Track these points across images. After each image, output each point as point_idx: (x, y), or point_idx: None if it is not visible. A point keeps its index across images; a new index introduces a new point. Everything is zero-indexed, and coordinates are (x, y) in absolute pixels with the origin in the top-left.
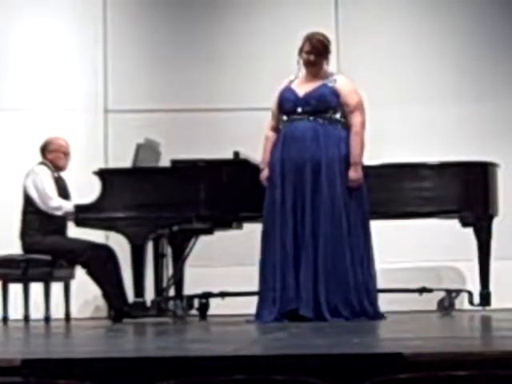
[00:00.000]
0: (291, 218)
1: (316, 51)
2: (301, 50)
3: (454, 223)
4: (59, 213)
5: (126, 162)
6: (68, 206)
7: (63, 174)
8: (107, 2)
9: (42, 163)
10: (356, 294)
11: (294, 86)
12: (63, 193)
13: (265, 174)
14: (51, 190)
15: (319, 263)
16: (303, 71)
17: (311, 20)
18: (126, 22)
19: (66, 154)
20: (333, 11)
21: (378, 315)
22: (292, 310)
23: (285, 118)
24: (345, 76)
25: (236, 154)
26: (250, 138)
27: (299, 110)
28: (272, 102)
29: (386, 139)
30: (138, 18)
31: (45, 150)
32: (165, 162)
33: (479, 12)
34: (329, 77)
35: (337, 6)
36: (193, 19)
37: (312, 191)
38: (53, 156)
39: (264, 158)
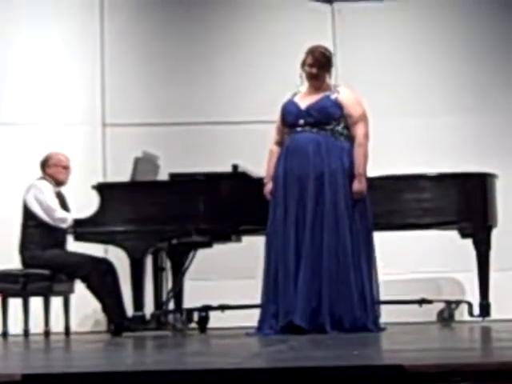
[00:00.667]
0: (293, 231)
1: (318, 64)
2: (303, 63)
3: (453, 234)
4: (64, 225)
5: (125, 176)
6: (71, 218)
7: (62, 189)
8: (105, 17)
9: (42, 178)
10: (360, 306)
11: (296, 99)
12: (63, 207)
13: (268, 188)
14: (54, 202)
15: (323, 275)
16: (306, 84)
17: (309, 32)
18: (123, 37)
19: (66, 168)
20: (330, 23)
21: (379, 328)
22: (290, 322)
23: (287, 130)
24: (347, 87)
25: (235, 167)
26: (249, 151)
27: (301, 122)
28: (271, 115)
29: (385, 150)
30: (135, 33)
31: (45, 164)
32: (163, 175)
33: (479, 24)
34: (331, 89)
35: (334, 17)
36: (191, 33)
37: (315, 204)
38: (53, 171)
39: (268, 172)
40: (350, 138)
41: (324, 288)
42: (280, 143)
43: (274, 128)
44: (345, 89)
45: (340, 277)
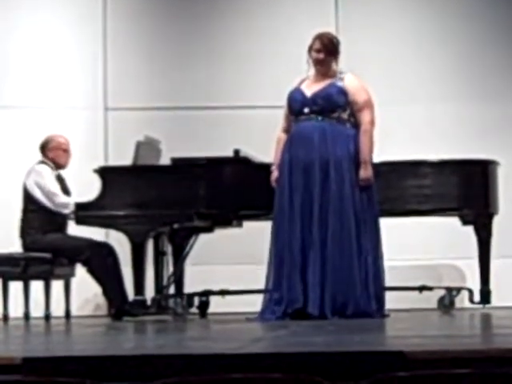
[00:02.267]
0: (299, 218)
1: (326, 49)
2: (310, 49)
3: (454, 221)
4: (67, 210)
5: (127, 160)
6: (73, 202)
7: (63, 172)
8: (107, 1)
9: (42, 162)
10: (362, 293)
11: (303, 86)
12: (64, 191)
13: (274, 175)
14: (55, 187)
15: (327, 262)
16: (312, 71)
17: (311, 18)
18: (125, 20)
19: (66, 151)
20: (333, 10)
21: (383, 314)
22: (297, 309)
23: (293, 118)
24: (353, 74)
25: (236, 152)
26: (251, 136)
27: (306, 110)
28: (273, 100)
29: (387, 137)
30: (137, 16)
31: (45, 148)
32: (165, 159)
33: (480, 11)
34: (337, 75)
35: (337, 5)
36: (193, 17)
37: (321, 191)
38: (53, 154)
39: (275, 159)
40: (356, 125)
41: (328, 274)
42: (287, 131)
43: (282, 115)
44: (350, 75)
45: (344, 263)
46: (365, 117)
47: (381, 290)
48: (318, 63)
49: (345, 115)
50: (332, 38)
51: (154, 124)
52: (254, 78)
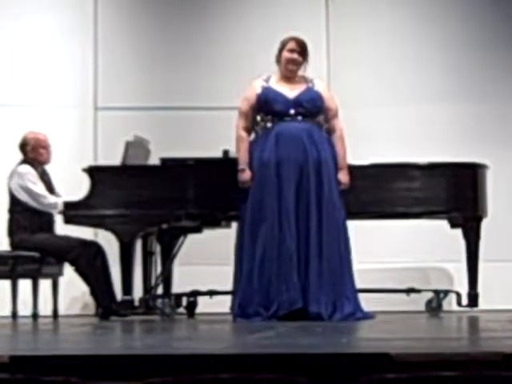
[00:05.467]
0: (293, 219)
1: (300, 49)
2: (282, 49)
3: (442, 224)
4: (55, 211)
5: (116, 160)
6: (60, 202)
7: (50, 169)
8: (98, 1)
9: (24, 161)
10: (351, 292)
11: (274, 86)
12: (48, 187)
13: (248, 174)
14: (40, 188)
15: (323, 262)
16: (277, 71)
17: (301, 19)
18: (116, 20)
19: (46, 147)
20: (323, 10)
21: (368, 315)
22: (297, 309)
23: (270, 118)
24: (321, 80)
25: (225, 152)
26: None
27: (292, 111)
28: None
29: (376, 139)
30: (128, 16)
31: (24, 148)
32: (154, 159)
33: (468, 13)
34: (308, 80)
35: (327, 5)
36: (181, 18)
37: (316, 189)
38: (33, 154)
39: (243, 158)
40: (327, 131)
41: (324, 275)
42: (248, 129)
43: (240, 113)
44: (319, 81)
45: (336, 263)
46: (338, 123)
47: (362, 291)
48: (291, 62)
49: (321, 120)
50: (305, 41)
51: (143, 124)
52: (245, 79)
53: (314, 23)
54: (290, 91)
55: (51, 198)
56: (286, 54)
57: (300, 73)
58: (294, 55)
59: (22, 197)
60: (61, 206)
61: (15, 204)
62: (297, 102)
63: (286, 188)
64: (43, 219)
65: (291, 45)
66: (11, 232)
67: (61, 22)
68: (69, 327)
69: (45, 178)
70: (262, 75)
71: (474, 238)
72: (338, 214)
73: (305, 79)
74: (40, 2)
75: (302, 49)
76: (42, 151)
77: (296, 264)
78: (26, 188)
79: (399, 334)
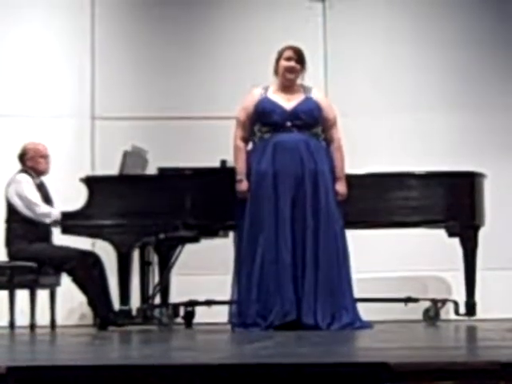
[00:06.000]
0: (288, 230)
1: (298, 57)
2: (279, 58)
3: (440, 233)
4: (48, 220)
5: (113, 170)
6: (55, 212)
7: (48, 180)
8: (95, 11)
9: (22, 171)
10: (350, 302)
11: (271, 96)
12: (45, 198)
13: (245, 185)
14: (35, 197)
15: (319, 273)
16: (276, 81)
17: (299, 28)
18: (113, 30)
19: (45, 158)
20: (321, 19)
21: (367, 324)
22: (290, 322)
23: (266, 129)
24: (318, 89)
25: (223, 162)
26: None
27: (288, 123)
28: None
29: (373, 148)
30: (125, 27)
31: (23, 157)
32: (152, 169)
33: (467, 21)
34: (307, 89)
35: (325, 14)
36: (181, 28)
37: (312, 200)
38: (32, 163)
39: (240, 169)
40: (326, 141)
41: (320, 285)
42: (246, 139)
43: (238, 123)
44: (316, 90)
45: (334, 274)
46: (336, 133)
47: (359, 300)
48: (289, 71)
49: (319, 130)
50: (301, 49)
51: (141, 133)
52: (243, 89)
53: (312, 32)
54: (288, 102)
55: (45, 208)
56: (283, 63)
57: (298, 81)
58: (292, 63)
59: (17, 204)
60: (54, 216)
61: (12, 213)
62: (294, 114)
63: (282, 200)
64: (40, 229)
65: (288, 53)
66: (8, 242)
67: (58, 32)
68: (66, 337)
69: (42, 189)
70: (261, 84)
71: (471, 246)
72: (335, 225)
73: (303, 88)
74: (37, 12)
75: (299, 56)
76: (41, 160)
77: (291, 276)
78: (21, 194)
79: (397, 343)
